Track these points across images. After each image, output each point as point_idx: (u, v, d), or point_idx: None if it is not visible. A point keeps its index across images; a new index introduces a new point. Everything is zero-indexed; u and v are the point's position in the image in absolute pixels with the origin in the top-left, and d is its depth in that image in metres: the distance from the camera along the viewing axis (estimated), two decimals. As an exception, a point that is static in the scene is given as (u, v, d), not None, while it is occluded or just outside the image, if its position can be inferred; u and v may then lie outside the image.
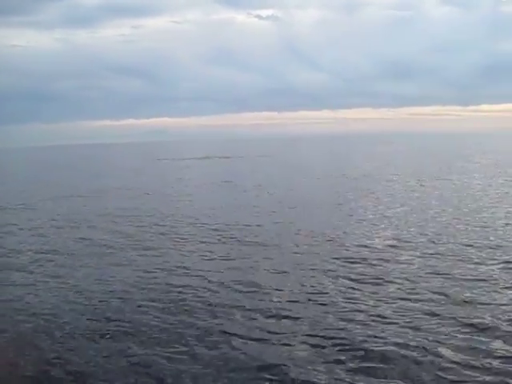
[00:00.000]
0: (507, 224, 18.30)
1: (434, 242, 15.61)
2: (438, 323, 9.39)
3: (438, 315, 9.74)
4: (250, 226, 19.56)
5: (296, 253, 15.09)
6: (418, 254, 14.36)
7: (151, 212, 24.64)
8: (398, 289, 11.39)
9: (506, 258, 13.54)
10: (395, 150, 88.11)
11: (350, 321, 9.68)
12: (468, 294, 10.81)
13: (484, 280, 11.77)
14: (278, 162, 66.36)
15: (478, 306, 10.13)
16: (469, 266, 12.92)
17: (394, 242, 15.81)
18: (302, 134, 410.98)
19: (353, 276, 12.41)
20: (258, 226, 19.63)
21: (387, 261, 13.69)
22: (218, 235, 18.06)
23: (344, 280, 12.15)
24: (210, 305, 10.81)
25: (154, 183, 40.36)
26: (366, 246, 15.35)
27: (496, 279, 11.82)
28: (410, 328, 9.22)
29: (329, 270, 13.01)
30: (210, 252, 15.59)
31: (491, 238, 15.82)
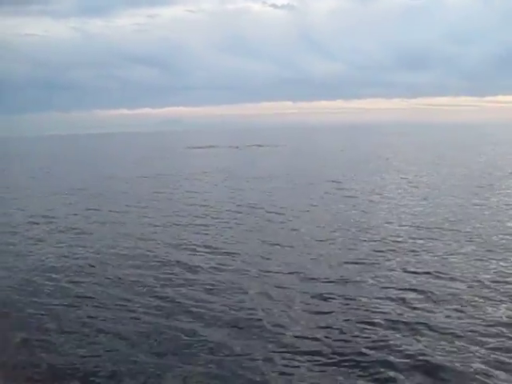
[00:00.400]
0: (507, 226, 16.63)
1: (413, 252, 13.80)
2: (399, 368, 7.75)
3: (400, 349, 8.24)
4: (223, 231, 17.67)
5: (261, 268, 13.19)
6: (392, 266, 12.60)
7: (132, 207, 23.50)
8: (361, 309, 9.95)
9: (494, 267, 12.07)
10: (407, 142, 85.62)
11: (298, 360, 8.09)
12: (444, 319, 9.32)
13: (469, 296, 10.32)
14: (287, 152, 65.01)
15: (452, 336, 8.62)
16: (450, 281, 11.31)
17: (367, 255, 13.67)
18: (317, 124, 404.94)
19: (320, 295, 10.88)
20: (237, 228, 18.20)
21: (352, 280, 11.84)
22: (187, 241, 16.28)
23: (299, 305, 10.45)
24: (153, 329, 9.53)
25: (151, 172, 39.45)
26: (336, 264, 13.13)
27: (484, 296, 10.32)
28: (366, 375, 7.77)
29: (283, 287, 11.48)
30: (168, 264, 13.77)
31: (483, 245, 14.23)
